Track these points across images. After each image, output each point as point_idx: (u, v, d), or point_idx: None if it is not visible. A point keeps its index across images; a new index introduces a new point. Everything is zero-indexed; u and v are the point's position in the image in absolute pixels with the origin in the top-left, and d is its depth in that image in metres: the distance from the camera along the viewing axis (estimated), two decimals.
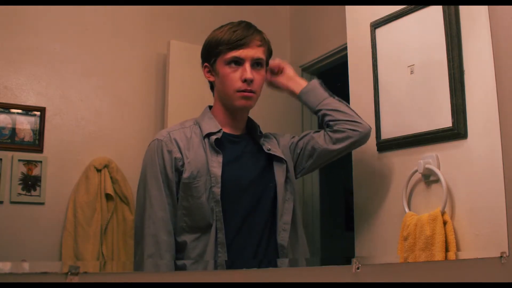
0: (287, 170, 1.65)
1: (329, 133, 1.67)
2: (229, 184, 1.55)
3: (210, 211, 1.52)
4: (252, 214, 1.60)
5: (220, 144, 1.59)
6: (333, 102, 1.69)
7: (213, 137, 1.58)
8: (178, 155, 1.54)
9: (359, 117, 1.67)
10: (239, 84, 1.58)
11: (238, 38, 1.57)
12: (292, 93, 1.74)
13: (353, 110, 1.68)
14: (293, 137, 1.75)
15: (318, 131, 1.70)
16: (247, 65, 1.58)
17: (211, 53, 1.62)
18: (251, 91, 1.59)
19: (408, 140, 1.74)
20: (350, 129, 1.65)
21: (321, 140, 1.67)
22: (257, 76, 1.60)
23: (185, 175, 1.53)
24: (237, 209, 1.57)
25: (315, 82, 1.73)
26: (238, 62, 1.58)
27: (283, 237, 1.60)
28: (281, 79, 1.75)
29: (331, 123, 1.67)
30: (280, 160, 1.65)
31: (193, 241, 1.52)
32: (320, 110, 1.69)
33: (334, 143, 1.66)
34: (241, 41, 1.57)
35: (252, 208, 1.60)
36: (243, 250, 1.56)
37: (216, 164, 1.55)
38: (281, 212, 1.61)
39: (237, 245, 1.55)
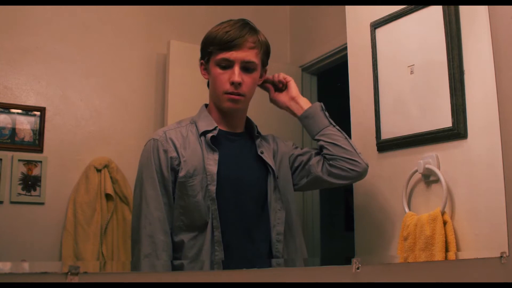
0: (275, 180, 1.63)
1: (327, 165, 1.64)
2: (225, 182, 1.54)
3: (207, 210, 1.52)
4: (249, 213, 1.60)
5: (216, 141, 1.58)
6: (332, 133, 1.65)
7: (209, 135, 1.57)
8: (174, 154, 1.54)
9: (357, 153, 1.63)
10: (227, 86, 1.56)
11: (228, 40, 1.55)
12: (292, 113, 1.72)
13: (351, 144, 1.64)
14: (296, 147, 1.73)
15: (319, 153, 1.67)
16: (236, 68, 1.55)
17: (205, 52, 1.61)
18: (238, 94, 1.57)
19: (408, 140, 1.74)
20: (349, 168, 1.62)
21: (319, 167, 1.65)
22: (247, 79, 1.58)
23: (181, 174, 1.52)
24: (233, 207, 1.56)
25: (317, 106, 1.69)
26: (228, 63, 1.56)
27: (277, 248, 1.59)
28: (283, 98, 1.72)
29: (328, 157, 1.64)
30: (269, 167, 1.63)
31: (190, 240, 1.52)
32: (318, 140, 1.66)
33: (329, 175, 1.64)
34: (232, 43, 1.54)
35: (248, 207, 1.60)
36: (240, 249, 1.56)
37: (212, 162, 1.54)
38: (274, 223, 1.60)
39: (234, 244, 1.54)
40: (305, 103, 1.70)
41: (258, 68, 1.61)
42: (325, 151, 1.64)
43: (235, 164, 1.61)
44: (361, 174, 1.64)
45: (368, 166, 1.64)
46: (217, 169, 1.54)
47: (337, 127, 1.66)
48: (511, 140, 1.66)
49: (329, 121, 1.67)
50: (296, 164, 1.69)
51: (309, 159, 1.67)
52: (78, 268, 1.04)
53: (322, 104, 1.69)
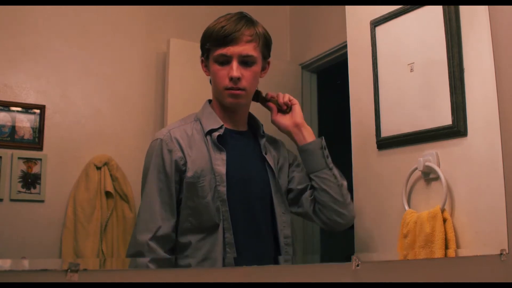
0: (277, 183, 1.61)
1: (316, 208, 1.62)
2: (233, 183, 1.52)
3: (216, 211, 1.49)
4: (258, 214, 1.58)
5: (222, 140, 1.55)
6: (326, 178, 1.60)
7: (215, 134, 1.54)
8: (179, 154, 1.50)
9: (346, 204, 1.60)
10: (227, 82, 1.53)
11: (224, 35, 1.51)
12: (293, 139, 1.67)
13: (342, 193, 1.60)
14: (298, 165, 1.69)
15: (313, 186, 1.64)
16: (234, 63, 1.52)
17: (204, 48, 1.59)
18: (239, 89, 1.54)
19: (408, 138, 1.74)
20: (334, 220, 1.59)
21: (311, 205, 1.63)
22: (247, 73, 1.54)
23: (189, 174, 1.49)
24: (242, 208, 1.54)
25: (317, 144, 1.63)
26: (226, 59, 1.53)
27: (287, 251, 1.57)
28: (286, 122, 1.66)
29: (317, 200, 1.61)
30: (271, 169, 1.61)
31: (198, 241, 1.49)
32: (312, 179, 1.63)
33: (316, 217, 1.62)
34: (228, 38, 1.51)
35: (257, 208, 1.58)
36: (251, 251, 1.53)
37: (220, 162, 1.52)
38: (280, 227, 1.58)
39: (244, 245, 1.51)
40: (308, 135, 1.64)
41: (258, 61, 1.57)
42: (316, 193, 1.62)
43: (242, 164, 1.59)
44: (345, 226, 1.62)
45: (354, 217, 1.63)
46: (226, 169, 1.51)
47: (334, 171, 1.62)
48: (511, 137, 1.67)
49: (326, 163, 1.62)
50: (290, 186, 1.65)
51: (304, 190, 1.64)
52: (78, 265, 1.04)
53: (323, 140, 1.64)
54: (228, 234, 1.48)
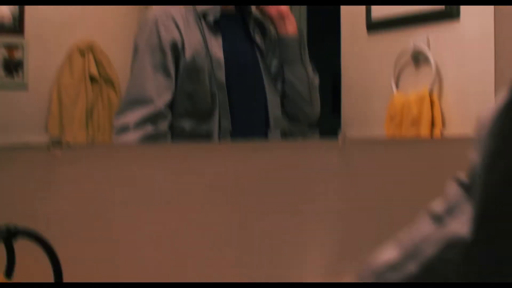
0: (267, 64, 1.59)
1: (283, 100, 1.60)
2: (230, 67, 1.49)
3: (213, 97, 1.46)
4: (254, 98, 1.58)
5: (218, 24, 1.49)
6: (297, 72, 1.59)
7: (211, 17, 1.48)
8: (177, 33, 1.44)
9: (312, 101, 1.60)
10: None
11: None
12: (273, 25, 1.60)
13: (310, 91, 1.59)
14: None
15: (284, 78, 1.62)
16: None
17: None
18: None
19: (398, 20, 1.71)
20: (296, 115, 1.60)
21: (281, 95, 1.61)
22: None
23: (187, 57, 1.44)
24: (239, 93, 1.52)
25: (296, 40, 1.58)
26: None
27: (277, 131, 1.58)
28: (270, 8, 1.58)
29: (285, 92, 1.59)
30: (260, 51, 1.58)
31: (193, 127, 1.47)
32: (283, 69, 1.59)
33: (282, 107, 1.60)
34: None
35: (252, 91, 1.57)
36: (245, 135, 1.53)
37: (217, 46, 1.47)
38: (271, 108, 1.57)
39: (240, 130, 1.50)
40: (290, 27, 1.59)
41: None
42: (284, 85, 1.60)
43: (236, 47, 1.55)
44: (305, 122, 1.64)
45: (317, 116, 1.62)
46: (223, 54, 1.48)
47: (307, 67, 1.60)
48: (504, 22, 1.64)
49: (301, 58, 1.59)
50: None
51: (278, 77, 1.62)
52: (62, 139, 1.03)
53: (304, 37, 1.61)
54: (224, 119, 1.47)
